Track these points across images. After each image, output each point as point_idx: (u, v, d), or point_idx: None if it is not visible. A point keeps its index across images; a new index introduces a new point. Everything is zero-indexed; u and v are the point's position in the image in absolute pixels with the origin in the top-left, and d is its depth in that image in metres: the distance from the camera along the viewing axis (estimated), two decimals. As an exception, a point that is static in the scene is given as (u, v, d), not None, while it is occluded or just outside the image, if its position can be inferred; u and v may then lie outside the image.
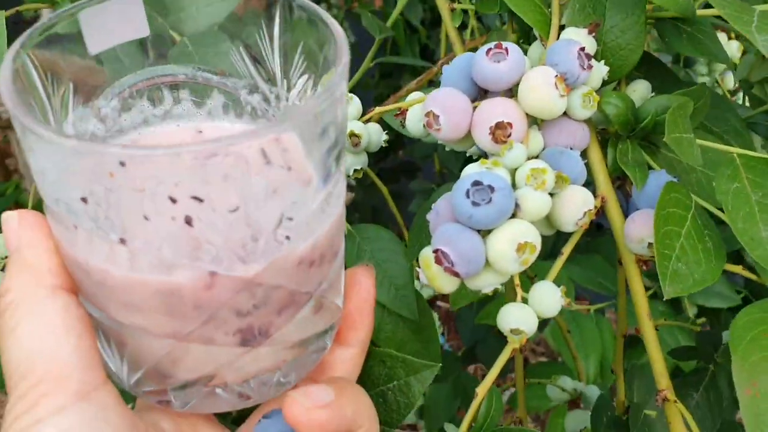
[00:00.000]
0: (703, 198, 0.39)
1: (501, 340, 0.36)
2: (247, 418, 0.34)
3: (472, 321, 1.05)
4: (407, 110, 0.40)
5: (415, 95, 0.41)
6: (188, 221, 0.24)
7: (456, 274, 0.33)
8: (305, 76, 0.31)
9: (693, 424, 0.36)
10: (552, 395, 0.63)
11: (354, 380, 0.34)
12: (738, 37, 0.80)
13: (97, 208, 0.24)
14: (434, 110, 0.35)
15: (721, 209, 0.36)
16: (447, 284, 0.35)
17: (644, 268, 0.37)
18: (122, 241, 0.25)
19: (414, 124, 0.40)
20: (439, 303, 1.53)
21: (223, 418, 0.35)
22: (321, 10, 0.29)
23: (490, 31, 0.64)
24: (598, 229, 0.40)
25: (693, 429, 0.36)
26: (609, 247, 0.91)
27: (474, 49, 0.38)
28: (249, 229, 0.25)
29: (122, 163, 0.23)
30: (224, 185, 0.24)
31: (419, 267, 0.35)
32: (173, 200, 0.24)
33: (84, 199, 0.24)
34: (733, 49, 0.81)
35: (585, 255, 0.90)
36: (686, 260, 0.34)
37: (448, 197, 0.35)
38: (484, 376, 0.39)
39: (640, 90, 0.40)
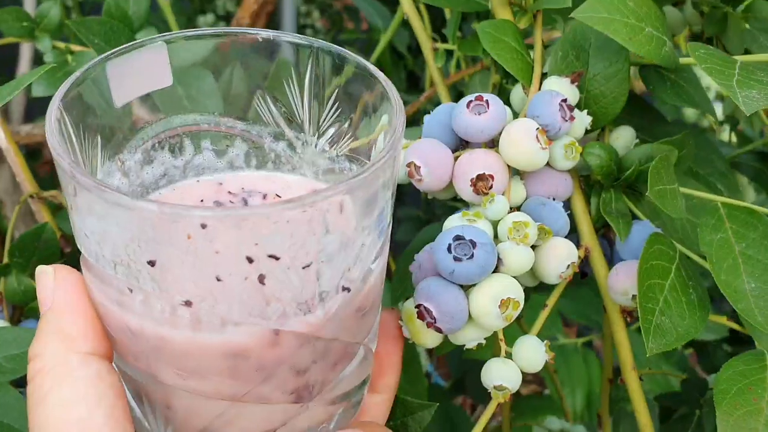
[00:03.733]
0: (687, 245, 0.39)
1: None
2: None
3: (460, 352, 1.05)
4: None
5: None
6: (261, 280, 0.24)
7: (439, 330, 0.33)
8: (338, 124, 0.31)
9: (679, 479, 0.35)
10: (539, 437, 0.63)
11: (383, 424, 0.35)
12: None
13: (165, 271, 0.24)
14: (416, 161, 0.35)
15: (705, 257, 0.36)
16: (430, 339, 0.34)
17: (629, 319, 0.37)
18: (187, 303, 0.24)
19: (397, 171, 0.39)
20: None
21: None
22: (362, 61, 0.29)
23: (475, 63, 0.63)
24: (582, 277, 0.40)
25: (679, 483, 0.36)
26: (595, 279, 0.91)
27: (458, 95, 0.38)
28: (316, 284, 0.25)
29: (203, 225, 0.22)
30: (303, 242, 0.24)
31: (402, 320, 0.35)
32: (250, 260, 0.24)
33: (151, 263, 0.24)
34: (719, 82, 0.82)
35: (573, 287, 0.90)
36: (670, 314, 0.34)
37: (430, 250, 0.34)
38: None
39: (624, 137, 0.40)
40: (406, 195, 1.26)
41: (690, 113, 0.79)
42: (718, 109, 0.81)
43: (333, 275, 0.26)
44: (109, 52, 0.29)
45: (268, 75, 0.31)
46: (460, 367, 1.07)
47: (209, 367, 0.26)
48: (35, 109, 1.08)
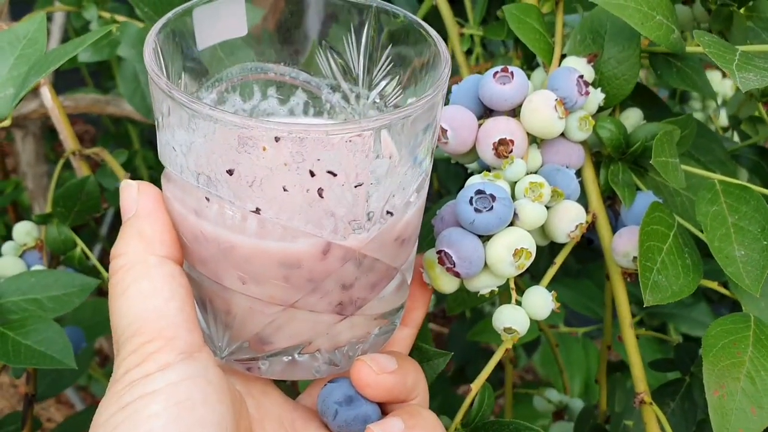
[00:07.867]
0: (685, 220, 0.42)
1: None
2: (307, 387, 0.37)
3: (463, 340, 1.08)
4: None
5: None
6: (320, 193, 0.28)
7: (457, 275, 0.36)
8: (389, 78, 0.35)
9: (666, 425, 0.39)
10: (538, 406, 0.66)
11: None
12: (731, 76, 0.84)
13: (240, 180, 0.27)
14: (443, 125, 0.39)
15: (701, 230, 0.39)
16: (448, 284, 0.38)
17: (629, 280, 0.41)
18: (257, 210, 0.28)
19: (423, 138, 0.43)
20: (431, 325, 1.55)
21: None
22: (416, 19, 0.33)
23: (494, 58, 0.67)
24: (589, 244, 0.43)
25: (666, 429, 0.39)
26: (599, 272, 0.95)
27: (480, 73, 0.42)
28: (365, 204, 0.29)
29: (277, 139, 0.26)
30: (356, 163, 0.27)
31: (423, 268, 0.38)
32: (312, 174, 0.27)
33: (230, 171, 0.27)
34: (726, 87, 0.85)
35: (576, 279, 0.94)
36: (666, 274, 0.37)
37: (452, 205, 0.38)
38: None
39: (632, 117, 0.44)
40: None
41: (697, 115, 0.82)
42: (723, 113, 0.85)
43: (379, 198, 0.29)
44: (196, 0, 0.32)
45: (329, 30, 0.35)
46: (463, 357, 1.10)
47: (268, 273, 0.30)
48: (61, 84, 1.12)
